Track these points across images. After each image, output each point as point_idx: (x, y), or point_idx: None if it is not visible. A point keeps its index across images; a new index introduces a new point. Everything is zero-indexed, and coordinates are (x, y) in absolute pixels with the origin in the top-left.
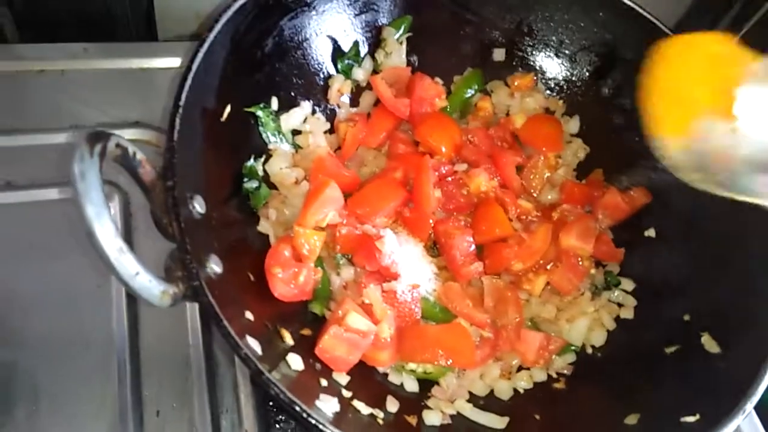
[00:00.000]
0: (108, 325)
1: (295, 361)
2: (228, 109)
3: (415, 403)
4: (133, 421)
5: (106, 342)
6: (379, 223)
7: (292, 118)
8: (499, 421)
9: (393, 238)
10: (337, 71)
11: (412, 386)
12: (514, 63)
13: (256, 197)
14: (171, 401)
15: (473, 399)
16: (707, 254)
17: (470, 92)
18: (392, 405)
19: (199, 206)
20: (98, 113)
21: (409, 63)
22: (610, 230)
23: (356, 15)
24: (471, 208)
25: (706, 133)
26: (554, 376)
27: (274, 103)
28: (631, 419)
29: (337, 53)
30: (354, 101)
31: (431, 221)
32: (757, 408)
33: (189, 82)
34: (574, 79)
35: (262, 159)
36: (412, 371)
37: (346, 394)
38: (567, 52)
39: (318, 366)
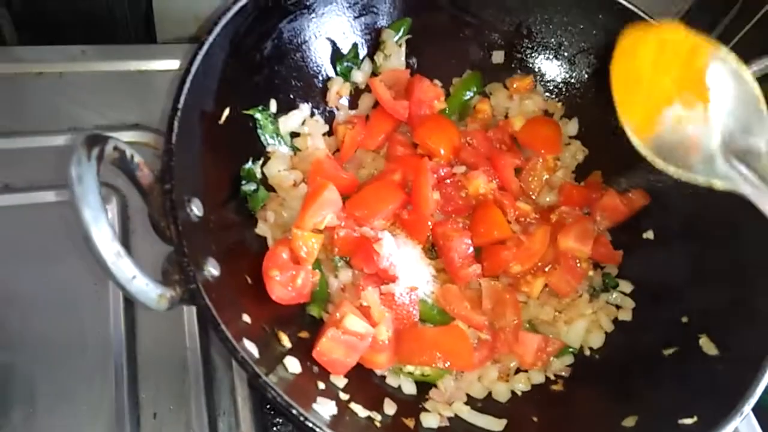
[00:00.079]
0: (105, 327)
1: (293, 364)
2: (227, 111)
3: (412, 405)
4: (130, 423)
5: (103, 345)
6: (378, 226)
7: (290, 121)
8: (497, 424)
9: (391, 241)
10: (336, 73)
11: (409, 389)
12: (513, 65)
13: (254, 200)
14: (168, 404)
15: (471, 401)
16: (705, 256)
17: (469, 94)
18: (390, 408)
19: (196, 209)
20: (97, 116)
21: (408, 65)
22: (608, 232)
23: (355, 17)
24: (469, 210)
25: (676, 121)
26: (552, 378)
27: (273, 105)
28: (629, 421)
29: (336, 56)
30: (353, 103)
31: (430, 223)
32: (755, 410)
33: (187, 84)
34: (573, 81)
35: (261, 161)
36: (410, 374)
37: (344, 396)
38: (566, 54)
39: (315, 369)
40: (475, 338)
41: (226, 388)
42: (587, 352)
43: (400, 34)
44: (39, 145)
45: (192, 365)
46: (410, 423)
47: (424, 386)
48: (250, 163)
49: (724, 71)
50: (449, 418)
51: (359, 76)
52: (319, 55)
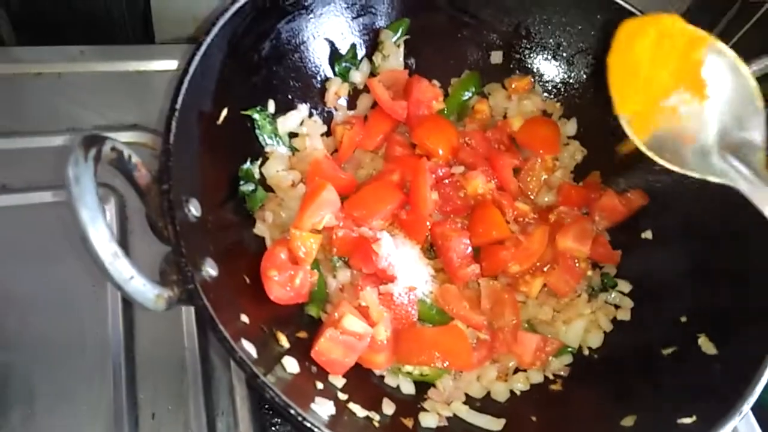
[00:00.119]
0: (103, 327)
1: (291, 365)
2: (225, 112)
3: (411, 405)
4: (129, 423)
5: (101, 345)
6: (376, 226)
7: (288, 121)
8: (496, 423)
9: (390, 241)
10: (335, 74)
11: (408, 388)
12: (511, 66)
13: (253, 200)
14: (166, 404)
15: (470, 401)
16: (704, 256)
17: (468, 95)
18: (388, 407)
19: (194, 209)
20: (95, 116)
21: (406, 66)
22: (607, 232)
23: (354, 18)
24: (468, 210)
25: (672, 114)
26: (551, 377)
27: (271, 106)
28: (628, 421)
29: (335, 56)
30: (351, 104)
31: (428, 223)
32: (754, 409)
33: (185, 85)
34: (571, 81)
35: (259, 162)
36: (409, 373)
37: (342, 396)
38: (564, 54)
39: (314, 369)
40: (473, 338)
41: (224, 388)
42: (586, 352)
43: (399, 34)
44: (37, 145)
45: (190, 365)
46: (409, 423)
47: (423, 386)
48: (248, 163)
49: (720, 64)
50: (448, 418)
51: (357, 76)
52: (318, 56)
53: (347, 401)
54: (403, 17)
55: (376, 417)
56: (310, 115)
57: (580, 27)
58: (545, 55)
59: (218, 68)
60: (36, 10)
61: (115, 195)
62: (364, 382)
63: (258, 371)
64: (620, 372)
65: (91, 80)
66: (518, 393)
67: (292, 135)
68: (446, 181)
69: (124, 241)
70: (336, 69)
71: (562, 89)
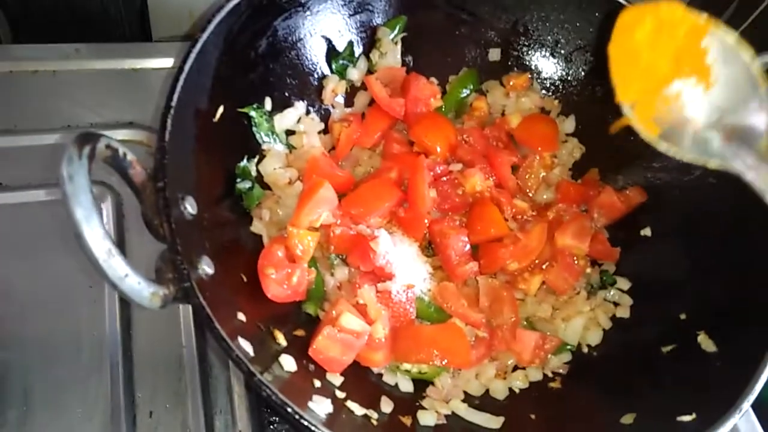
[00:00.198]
0: (101, 326)
1: (288, 363)
2: (221, 109)
3: (409, 403)
4: (126, 422)
5: (98, 343)
6: (374, 224)
7: (285, 119)
8: (495, 421)
9: (387, 239)
10: (332, 71)
11: (406, 386)
12: (509, 63)
13: (249, 198)
14: (164, 402)
15: (468, 399)
16: (703, 253)
17: (465, 92)
18: (386, 405)
19: (190, 207)
20: (91, 114)
21: (404, 63)
22: (605, 229)
23: (351, 15)
24: (466, 207)
25: (675, 101)
26: (550, 375)
27: (268, 103)
28: (627, 419)
29: (332, 53)
30: (348, 101)
31: (426, 221)
32: (754, 406)
33: (181, 82)
34: (569, 78)
35: (256, 159)
36: (407, 371)
37: (340, 395)
38: (563, 51)
39: (311, 367)
40: (472, 336)
41: (222, 387)
42: (585, 350)
43: (396, 31)
44: (33, 143)
45: (188, 364)
46: (407, 421)
47: (421, 384)
48: (245, 161)
49: (722, 50)
50: (446, 416)
51: (355, 74)
52: (315, 53)
53: (345, 399)
54: (401, 14)
55: (374, 415)
56: (307, 112)
57: (578, 24)
58: (543, 53)
59: (214, 65)
60: (33, 8)
61: (111, 193)
62: (362, 380)
63: (255, 369)
64: (619, 370)
65: (87, 78)
66: (517, 391)
67: (289, 132)
68: (444, 178)
69: (121, 239)
70: (333, 66)
71: (561, 86)
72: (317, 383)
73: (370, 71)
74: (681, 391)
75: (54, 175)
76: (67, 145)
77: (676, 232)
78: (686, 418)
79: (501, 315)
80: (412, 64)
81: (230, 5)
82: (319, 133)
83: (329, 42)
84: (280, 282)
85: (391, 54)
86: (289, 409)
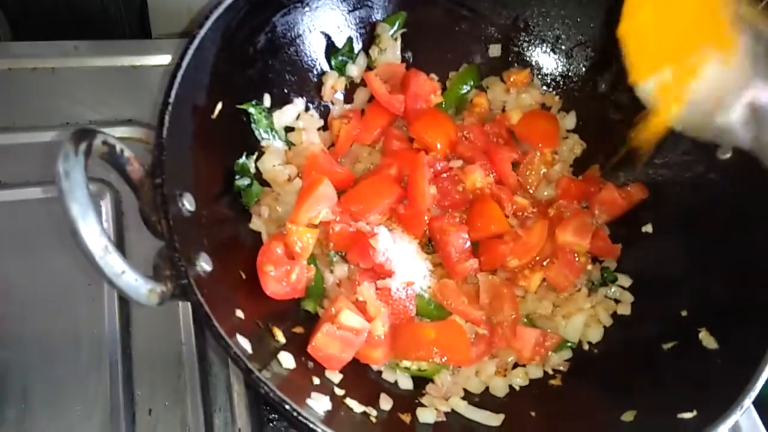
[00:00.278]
0: (100, 323)
1: (287, 360)
2: (219, 105)
3: (409, 400)
4: (125, 420)
5: (97, 341)
6: (374, 220)
7: (285, 115)
8: (495, 419)
9: (387, 235)
10: (331, 68)
11: (406, 384)
12: (510, 59)
13: (248, 194)
14: (163, 400)
15: (468, 396)
16: (705, 250)
17: (466, 88)
18: (386, 403)
19: (188, 204)
20: (91, 111)
21: (403, 59)
22: (606, 226)
23: (350, 11)
24: (466, 204)
25: (693, 74)
26: (550, 372)
27: (267, 99)
28: (628, 416)
29: (331, 50)
30: (348, 98)
31: (426, 218)
32: (756, 403)
33: (178, 78)
34: (570, 74)
35: (255, 156)
36: (407, 369)
37: (339, 392)
38: (563, 47)
39: (310, 364)
40: (472, 333)
41: (221, 384)
42: (586, 347)
43: (396, 27)
44: (32, 141)
45: (187, 361)
46: (406, 418)
47: (421, 381)
48: (243, 157)
49: (744, 22)
50: (446, 413)
51: (354, 70)
52: (314, 49)
53: (344, 397)
54: (400, 10)
55: (373, 412)
56: (307, 109)
57: (578, 19)
58: (544, 48)
59: (212, 62)
60: (33, 7)
61: (110, 190)
62: (361, 378)
63: (253, 367)
64: (620, 367)
65: (86, 75)
66: (517, 388)
67: (289, 129)
68: (444, 175)
69: (120, 236)
70: (332, 63)
71: (561, 82)
72: (316, 380)
73: (369, 67)
74: (682, 389)
75: (52, 173)
76: (63, 142)
77: (677, 229)
78: (687, 415)
79: (501, 312)
80: (411, 60)
81: (228, 1)
82: (319, 129)
83: (328, 38)
84: (279, 279)
85: (390, 50)
86: (287, 406)
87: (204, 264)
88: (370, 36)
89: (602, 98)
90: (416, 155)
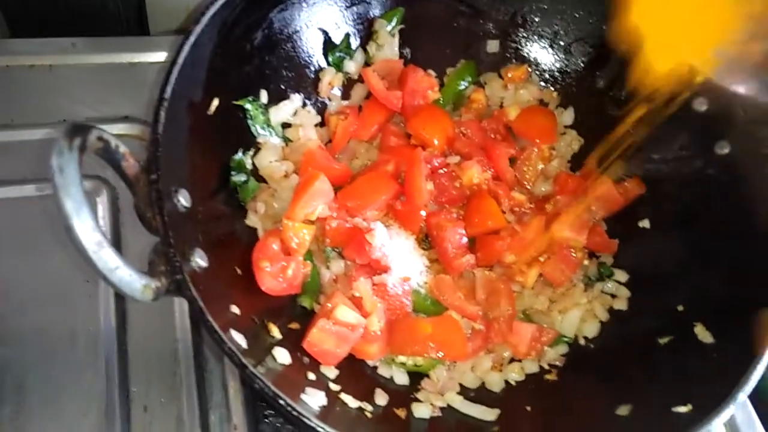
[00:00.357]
0: (96, 320)
1: (282, 355)
2: (216, 102)
3: (404, 395)
4: (121, 417)
5: (93, 338)
6: (370, 216)
7: (281, 111)
8: (490, 413)
9: (383, 231)
10: (328, 64)
11: (401, 379)
12: (507, 55)
13: (245, 190)
14: (159, 397)
15: (464, 391)
16: (701, 245)
17: (463, 84)
18: (381, 398)
19: (183, 200)
20: (88, 108)
21: (401, 55)
22: (603, 221)
23: (347, 7)
24: (463, 200)
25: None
26: (546, 367)
27: (264, 96)
28: (623, 410)
29: (328, 46)
30: (345, 94)
31: (423, 214)
32: (752, 397)
33: (174, 74)
34: (568, 70)
35: (251, 152)
36: (402, 364)
37: (334, 387)
38: (561, 43)
39: (306, 360)
40: (468, 328)
41: (217, 381)
42: (582, 342)
43: (393, 23)
44: (30, 138)
45: (183, 358)
46: (402, 413)
47: (417, 376)
48: (240, 153)
49: None
50: (442, 408)
51: (352, 66)
52: (311, 46)
53: (339, 392)
54: (398, 6)
55: (369, 408)
56: (304, 105)
57: (576, 15)
58: (542, 44)
59: (209, 58)
60: (30, 3)
61: (107, 187)
62: (356, 373)
63: (247, 362)
64: (616, 361)
65: (84, 72)
66: (513, 383)
67: (285, 125)
68: (441, 171)
69: (116, 233)
70: (330, 59)
71: (559, 78)
72: (311, 376)
73: (367, 63)
74: (677, 383)
75: (47, 169)
76: (57, 137)
77: (674, 224)
78: (682, 408)
79: (497, 307)
80: (409, 56)
81: None
82: (316, 125)
83: (326, 34)
84: (275, 275)
85: (388, 46)
86: (282, 402)
87: (199, 260)
88: (367, 32)
89: (600, 94)
90: (413, 151)
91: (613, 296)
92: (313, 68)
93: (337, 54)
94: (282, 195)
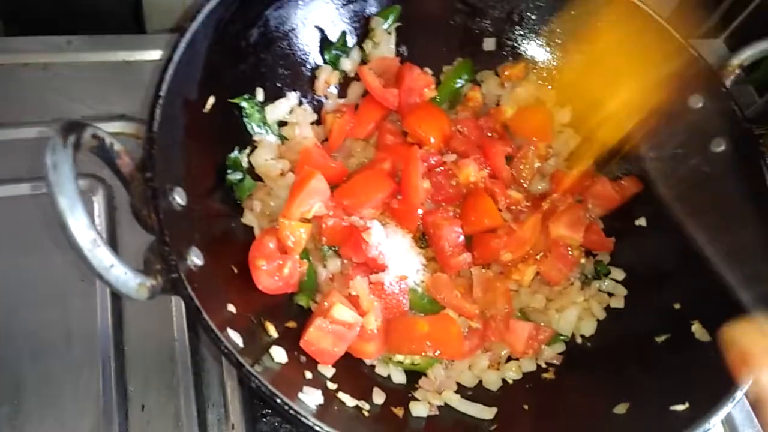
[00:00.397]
0: (92, 320)
1: (279, 354)
2: (211, 99)
3: (402, 394)
4: (118, 416)
5: (90, 337)
6: (367, 215)
7: (277, 109)
8: (488, 412)
9: (380, 230)
10: (325, 62)
11: (399, 378)
12: (504, 53)
13: (241, 189)
14: (156, 396)
15: (461, 390)
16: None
17: (460, 82)
18: (378, 397)
19: (179, 198)
20: (83, 107)
21: (398, 53)
22: (600, 219)
23: (344, 5)
24: (460, 198)
25: None
26: (543, 366)
27: (260, 94)
28: (620, 408)
29: (325, 44)
30: (342, 92)
31: (420, 212)
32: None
33: (169, 72)
34: (565, 68)
35: (247, 150)
36: (400, 363)
37: (331, 386)
38: (558, 41)
39: (303, 358)
40: (465, 327)
41: (215, 380)
42: (579, 340)
43: (390, 21)
44: (24, 137)
45: (180, 357)
46: (399, 412)
47: (414, 375)
48: (236, 152)
49: None
50: (439, 407)
51: (348, 64)
52: (307, 43)
53: (336, 391)
54: (394, 4)
55: (366, 406)
56: (300, 103)
57: (573, 13)
58: (539, 42)
59: (204, 56)
60: (25, 1)
61: (103, 186)
62: (354, 372)
63: (244, 361)
64: (613, 360)
65: (79, 70)
66: (510, 382)
67: (281, 123)
68: (438, 169)
69: (112, 232)
70: (326, 57)
71: (556, 76)
72: (308, 375)
73: (363, 61)
74: (675, 381)
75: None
76: (51, 134)
77: (671, 222)
78: (679, 407)
79: (494, 306)
80: (406, 54)
81: None
82: (312, 124)
83: (322, 32)
84: (272, 273)
85: (384, 44)
86: (279, 400)
87: (195, 258)
88: (364, 30)
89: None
90: (410, 149)
91: (610, 294)
92: (309, 66)
93: (334, 52)
94: (278, 193)
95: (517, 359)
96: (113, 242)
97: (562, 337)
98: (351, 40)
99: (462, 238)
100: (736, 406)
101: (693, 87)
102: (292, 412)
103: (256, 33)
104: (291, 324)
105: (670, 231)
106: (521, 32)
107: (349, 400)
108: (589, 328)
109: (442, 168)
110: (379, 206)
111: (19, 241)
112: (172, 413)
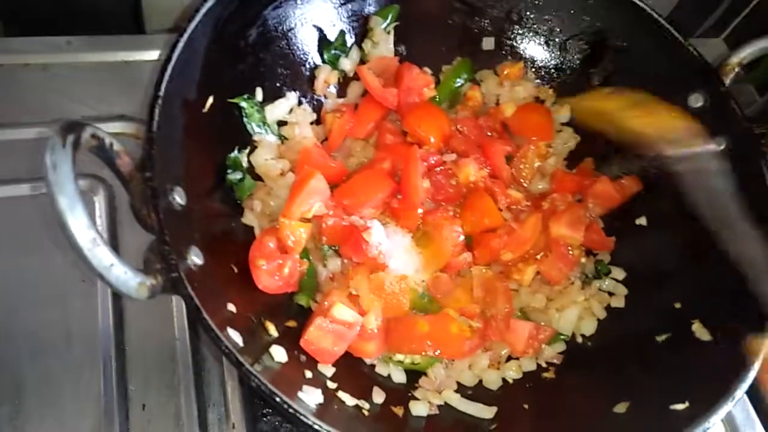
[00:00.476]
0: (93, 319)
1: (279, 353)
2: (211, 99)
3: (402, 394)
4: (119, 415)
5: (91, 336)
6: (367, 214)
7: (277, 109)
8: (488, 411)
9: (380, 229)
10: (324, 61)
11: (399, 377)
12: (503, 52)
13: (241, 189)
14: (157, 395)
15: (461, 389)
16: (699, 242)
17: (459, 82)
18: (378, 396)
19: (179, 198)
20: (83, 107)
21: (397, 53)
22: (600, 219)
23: (342, 4)
24: (460, 198)
25: None
26: (544, 365)
27: (259, 93)
28: (620, 408)
29: (324, 43)
30: (341, 92)
31: (420, 212)
32: (749, 394)
33: (168, 72)
34: (564, 67)
35: (247, 150)
36: (400, 362)
37: (331, 385)
38: (557, 40)
39: (303, 358)
40: (465, 326)
41: (215, 379)
42: (579, 340)
43: (388, 21)
44: (24, 137)
45: (181, 356)
46: (399, 411)
47: (414, 374)
48: (235, 151)
49: None
50: (439, 407)
51: (347, 63)
52: (306, 43)
53: (336, 390)
54: (393, 3)
55: (366, 406)
56: (299, 103)
57: (572, 12)
58: (537, 41)
59: (203, 55)
60: (24, 1)
61: (103, 186)
62: (354, 371)
63: (243, 360)
64: (613, 359)
65: (79, 71)
66: (510, 381)
67: (281, 123)
68: (438, 169)
69: (113, 232)
70: (325, 56)
71: (555, 75)
72: (308, 374)
73: (362, 61)
74: (675, 380)
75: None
76: (51, 134)
77: (671, 221)
78: (679, 406)
79: (495, 305)
80: (405, 53)
81: None
82: (312, 123)
83: (321, 31)
84: (272, 273)
85: (383, 43)
86: (278, 399)
87: (195, 258)
88: (362, 29)
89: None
90: (410, 149)
91: (611, 294)
92: (308, 66)
93: (333, 51)
94: (278, 193)
95: (518, 359)
96: (114, 242)
97: (562, 337)
98: (350, 40)
99: (462, 237)
100: (737, 406)
101: (693, 86)
102: (291, 411)
103: (255, 33)
104: (291, 323)
105: (671, 230)
106: (520, 31)
107: (349, 400)
108: (589, 328)
109: (442, 167)
110: (379, 206)
111: (19, 241)
112: (172, 413)
